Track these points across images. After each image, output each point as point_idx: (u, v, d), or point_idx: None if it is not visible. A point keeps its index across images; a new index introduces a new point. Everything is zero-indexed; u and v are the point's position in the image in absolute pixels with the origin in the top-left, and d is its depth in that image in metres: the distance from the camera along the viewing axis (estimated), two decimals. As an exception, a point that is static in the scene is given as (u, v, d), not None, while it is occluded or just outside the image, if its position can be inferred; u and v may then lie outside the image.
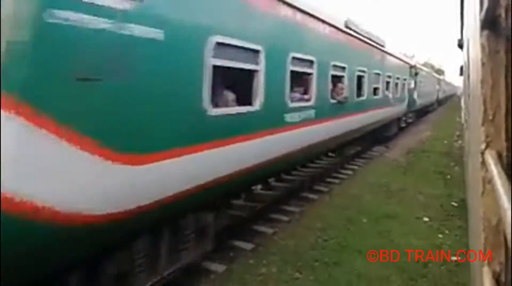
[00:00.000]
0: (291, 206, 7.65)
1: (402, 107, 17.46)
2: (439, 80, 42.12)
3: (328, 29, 7.82)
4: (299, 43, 6.54)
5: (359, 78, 10.17)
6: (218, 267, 5.08)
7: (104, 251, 3.40)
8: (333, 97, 8.19)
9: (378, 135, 15.15)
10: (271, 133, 5.39)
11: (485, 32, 1.36)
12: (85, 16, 2.77)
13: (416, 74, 21.13)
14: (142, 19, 3.21)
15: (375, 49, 12.05)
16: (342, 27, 8.75)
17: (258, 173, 5.45)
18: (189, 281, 4.77)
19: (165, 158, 3.46)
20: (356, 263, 5.19)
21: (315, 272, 4.95)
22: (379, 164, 11.90)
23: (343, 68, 8.63)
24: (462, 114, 16.19)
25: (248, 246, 5.72)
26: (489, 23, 1.32)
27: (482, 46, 1.37)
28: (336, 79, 8.46)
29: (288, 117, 6.00)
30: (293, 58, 6.11)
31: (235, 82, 5.18)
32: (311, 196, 8.32)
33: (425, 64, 46.37)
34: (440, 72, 63.44)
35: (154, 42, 3.32)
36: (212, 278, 4.83)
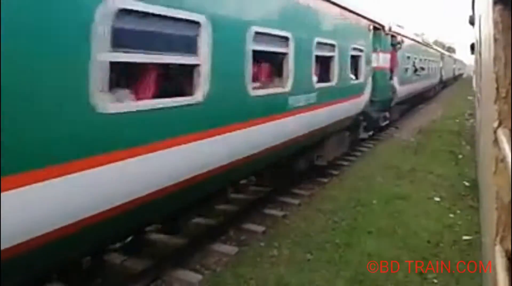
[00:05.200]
0: (301, 189, 7.67)
1: (356, 105, 9.11)
2: (442, 56, 31.42)
3: None
4: None
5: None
6: (230, 250, 5.16)
7: None
8: None
9: (292, 169, 7.55)
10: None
11: (498, 7, 1.32)
12: None
13: (396, 44, 12.85)
14: None
15: None
16: None
17: None
18: (202, 263, 4.86)
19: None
20: (367, 244, 5.22)
21: (326, 254, 4.99)
22: (389, 145, 11.83)
23: None
24: (476, 89, 15.90)
25: (260, 229, 5.78)
26: (502, -3, 1.28)
27: (495, 22, 1.34)
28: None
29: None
30: None
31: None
32: (321, 179, 8.32)
33: (435, 42, 43.21)
34: (450, 50, 61.13)
35: None
36: (224, 261, 4.91)
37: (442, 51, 34.28)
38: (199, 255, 5.03)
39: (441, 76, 30.59)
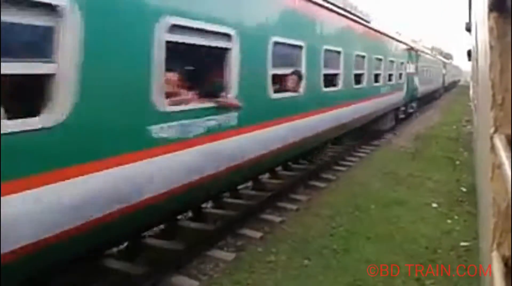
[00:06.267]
0: (299, 194, 7.67)
1: None
2: (414, 54, 17.88)
3: None
4: None
5: None
6: (227, 256, 5.13)
7: None
8: None
9: None
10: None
11: (494, 14, 1.33)
12: None
13: None
14: None
15: None
16: None
17: None
18: (199, 269, 4.83)
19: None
20: (365, 249, 5.22)
21: (324, 259, 4.98)
22: (386, 151, 11.85)
23: None
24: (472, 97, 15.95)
25: (257, 234, 5.75)
26: (498, 5, 1.29)
27: (491, 29, 1.35)
28: None
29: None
30: None
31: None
32: (319, 184, 8.32)
33: (432, 49, 39.77)
34: (448, 56, 60.42)
35: None
36: (221, 267, 4.88)
37: (415, 45, 19.09)
38: (196, 261, 5.01)
39: (413, 89, 17.66)
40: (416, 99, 19.35)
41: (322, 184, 8.31)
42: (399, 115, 16.42)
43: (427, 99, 25.45)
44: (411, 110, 18.82)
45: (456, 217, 6.44)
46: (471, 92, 14.03)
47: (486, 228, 1.76)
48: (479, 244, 3.48)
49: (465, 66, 48.34)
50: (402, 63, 15.13)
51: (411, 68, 17.05)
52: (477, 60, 3.32)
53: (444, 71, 34.61)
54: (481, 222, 2.88)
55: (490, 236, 1.34)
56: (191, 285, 4.48)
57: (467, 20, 9.20)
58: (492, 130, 1.31)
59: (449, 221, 6.29)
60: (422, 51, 21.27)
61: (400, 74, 14.78)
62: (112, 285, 4.49)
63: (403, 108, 16.79)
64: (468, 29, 8.71)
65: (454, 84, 48.21)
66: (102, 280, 4.53)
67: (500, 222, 1.26)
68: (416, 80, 18.38)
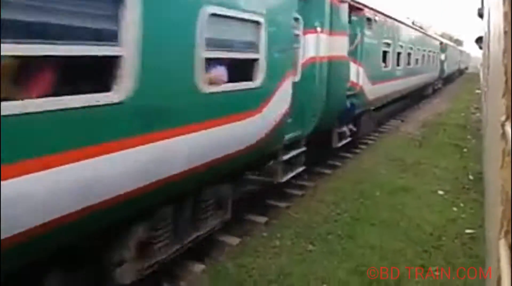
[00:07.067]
0: (305, 180, 7.67)
1: None
2: (324, 8, 6.49)
3: None
4: None
5: None
6: (232, 240, 5.17)
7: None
8: None
9: None
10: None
11: (509, -1, 1.30)
12: None
13: None
14: None
15: None
16: None
17: None
18: (204, 253, 4.89)
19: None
20: (370, 236, 5.24)
21: (329, 245, 5.01)
22: (393, 138, 11.79)
23: None
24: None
25: (262, 219, 5.79)
26: (514, -12, 1.25)
27: (505, 14, 1.31)
28: None
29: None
30: None
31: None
32: (325, 170, 8.32)
33: (442, 35, 37.48)
34: (458, 42, 59.08)
35: None
36: (226, 251, 4.93)
37: None
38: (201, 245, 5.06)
39: (336, 99, 7.31)
40: (355, 115, 9.12)
41: (328, 171, 8.30)
42: (279, 178, 6.12)
43: (408, 102, 16.64)
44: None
45: (462, 204, 6.43)
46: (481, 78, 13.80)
47: (493, 216, 1.75)
48: (485, 231, 3.48)
49: (475, 52, 44.66)
50: (256, 25, 4.58)
51: (327, 46, 6.79)
52: (489, 46, 3.25)
53: (442, 57, 24.11)
54: (487, 210, 2.87)
55: (498, 224, 1.33)
56: (197, 268, 4.54)
57: (480, 6, 8.98)
58: (503, 117, 1.28)
59: (454, 208, 6.28)
60: (378, 12, 9.90)
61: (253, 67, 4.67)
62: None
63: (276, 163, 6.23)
64: (481, 15, 8.52)
65: (459, 72, 38.93)
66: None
67: (508, 210, 1.25)
68: (358, 73, 8.84)
